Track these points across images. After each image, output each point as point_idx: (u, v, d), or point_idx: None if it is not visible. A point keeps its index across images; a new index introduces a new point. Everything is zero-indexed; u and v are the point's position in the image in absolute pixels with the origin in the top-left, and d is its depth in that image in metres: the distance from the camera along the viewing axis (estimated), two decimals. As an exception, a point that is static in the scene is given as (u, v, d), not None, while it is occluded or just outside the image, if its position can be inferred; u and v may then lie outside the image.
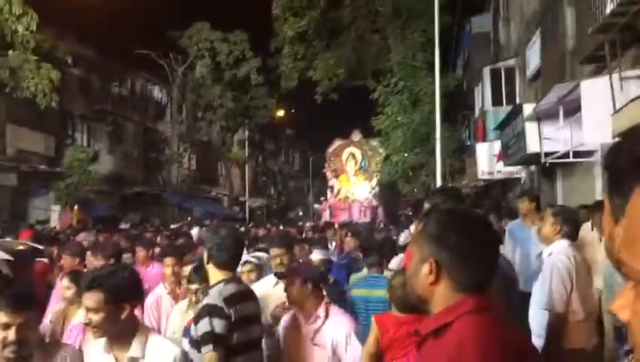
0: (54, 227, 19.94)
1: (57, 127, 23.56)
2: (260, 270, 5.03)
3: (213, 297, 3.00)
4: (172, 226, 18.87)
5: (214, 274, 3.17)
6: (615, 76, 8.05)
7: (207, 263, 3.18)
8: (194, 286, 4.18)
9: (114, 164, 27.74)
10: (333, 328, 3.43)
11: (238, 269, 4.47)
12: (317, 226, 16.49)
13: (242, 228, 15.73)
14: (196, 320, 2.94)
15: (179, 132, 32.52)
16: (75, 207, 21.92)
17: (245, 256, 4.75)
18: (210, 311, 2.91)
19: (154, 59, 29.76)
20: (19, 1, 16.16)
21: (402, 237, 10.33)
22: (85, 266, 5.71)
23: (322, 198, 44.63)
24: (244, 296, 3.18)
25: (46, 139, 23.04)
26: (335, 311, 3.58)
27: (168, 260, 5.18)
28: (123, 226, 20.45)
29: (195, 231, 13.07)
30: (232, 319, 2.94)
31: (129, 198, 27.80)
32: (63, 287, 4.32)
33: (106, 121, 27.87)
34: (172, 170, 31.65)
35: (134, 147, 30.49)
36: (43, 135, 22.72)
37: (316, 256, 6.00)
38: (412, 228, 6.93)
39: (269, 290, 4.13)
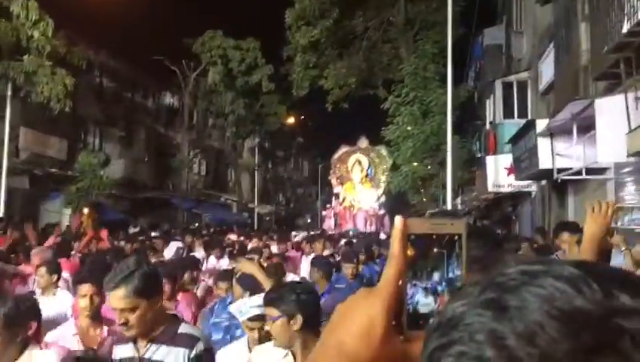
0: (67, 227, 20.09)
1: (70, 131, 23.73)
2: None
3: None
4: (153, 234, 15.63)
5: (311, 341, 2.61)
6: (630, 95, 8.04)
7: (299, 329, 2.69)
8: (254, 323, 3.31)
9: (125, 168, 27.88)
10: None
11: (243, 319, 3.43)
12: (313, 237, 14.41)
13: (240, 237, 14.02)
14: None
15: (190, 138, 32.65)
16: (85, 211, 22.01)
17: (254, 302, 3.36)
18: None
19: (167, 66, 29.97)
20: (35, 7, 16.35)
21: None
22: None
23: (328, 205, 44.42)
24: None
25: (59, 143, 23.20)
26: None
27: (84, 288, 3.71)
28: (132, 231, 20.50)
29: (172, 249, 9.57)
30: None
31: (139, 203, 27.91)
32: None
33: (118, 126, 28.06)
34: (182, 175, 31.78)
35: (145, 152, 30.65)
36: (56, 139, 22.88)
37: None
38: None
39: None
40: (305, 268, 8.57)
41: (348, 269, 6.80)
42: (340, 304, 0.66)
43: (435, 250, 0.68)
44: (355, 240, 13.91)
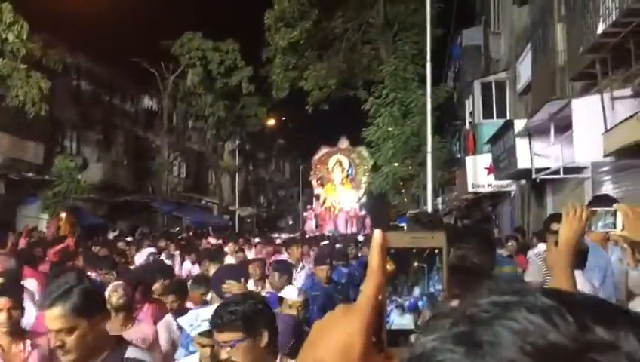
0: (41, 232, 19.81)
1: (46, 134, 23.38)
2: None
3: None
4: (128, 239, 15.08)
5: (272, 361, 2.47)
6: (606, 95, 8.12)
7: (266, 346, 2.40)
8: (205, 338, 2.92)
9: (103, 172, 27.56)
10: None
11: (194, 334, 3.07)
12: (293, 240, 11.98)
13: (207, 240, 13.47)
14: None
15: (169, 140, 32.39)
16: (63, 216, 21.71)
17: (206, 314, 2.88)
18: None
19: (145, 68, 29.66)
20: (9, 10, 16.10)
21: None
22: None
23: (309, 206, 44.29)
24: None
25: (35, 147, 22.84)
26: None
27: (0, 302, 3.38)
28: (111, 235, 20.26)
29: (143, 255, 8.97)
30: None
31: (118, 207, 27.61)
32: None
33: (96, 129, 27.73)
34: (162, 178, 31.49)
35: (124, 155, 30.33)
36: (32, 143, 22.52)
37: (291, 295, 4.20)
38: None
39: None
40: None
41: (322, 272, 6.37)
42: (318, 321, 0.63)
43: (416, 264, 0.65)
44: (336, 243, 13.78)
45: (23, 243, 8.80)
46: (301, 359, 0.62)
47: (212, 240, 12.97)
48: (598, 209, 2.22)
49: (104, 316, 2.61)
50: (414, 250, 0.65)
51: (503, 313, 0.44)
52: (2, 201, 20.95)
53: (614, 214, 2.14)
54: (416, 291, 0.65)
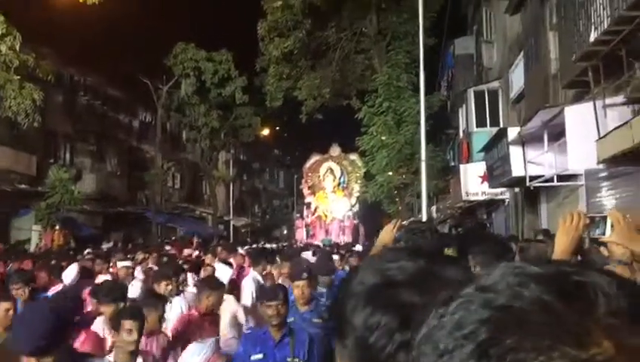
0: (36, 246, 19.69)
1: (40, 145, 23.29)
2: None
3: None
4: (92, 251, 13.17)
5: None
6: (599, 103, 8.16)
7: None
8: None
9: (97, 183, 27.47)
10: None
11: None
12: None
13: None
14: None
15: (163, 151, 32.31)
16: (57, 228, 21.60)
17: None
18: None
19: (139, 78, 29.62)
20: (2, 21, 16.05)
21: None
22: None
23: (297, 215, 43.93)
24: None
25: (28, 159, 22.74)
26: None
27: None
28: (104, 246, 20.14)
29: (72, 271, 7.12)
30: None
31: (112, 217, 27.50)
32: None
33: (90, 140, 27.66)
34: (156, 188, 31.36)
35: (118, 166, 30.25)
36: (25, 154, 22.43)
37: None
38: None
39: None
40: (246, 290, 7.10)
41: (297, 289, 5.09)
42: None
43: None
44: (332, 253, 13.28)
45: None
46: None
47: (189, 252, 12.08)
48: (596, 216, 2.23)
49: None
50: None
51: None
52: (-5, 213, 20.84)
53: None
54: None
